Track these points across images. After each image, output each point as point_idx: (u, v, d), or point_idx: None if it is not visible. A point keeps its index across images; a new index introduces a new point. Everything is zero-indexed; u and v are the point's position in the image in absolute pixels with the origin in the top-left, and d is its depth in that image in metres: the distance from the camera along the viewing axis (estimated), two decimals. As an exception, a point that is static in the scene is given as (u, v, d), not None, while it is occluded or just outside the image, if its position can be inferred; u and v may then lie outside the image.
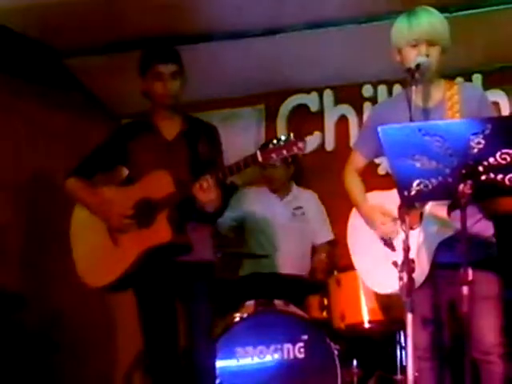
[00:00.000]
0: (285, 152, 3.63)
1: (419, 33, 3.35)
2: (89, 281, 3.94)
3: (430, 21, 3.37)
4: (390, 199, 3.42)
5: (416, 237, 3.36)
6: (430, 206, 3.36)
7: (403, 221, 3.04)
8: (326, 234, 5.33)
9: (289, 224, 5.23)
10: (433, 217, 3.37)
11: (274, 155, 3.63)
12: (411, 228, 3.34)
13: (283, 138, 3.64)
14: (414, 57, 3.33)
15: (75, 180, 4.00)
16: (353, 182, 3.69)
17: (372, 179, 3.82)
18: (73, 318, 5.19)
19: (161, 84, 3.89)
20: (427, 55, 3.33)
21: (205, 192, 3.67)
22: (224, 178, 3.74)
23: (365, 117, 5.38)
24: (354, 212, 3.73)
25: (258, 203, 5.27)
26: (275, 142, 3.64)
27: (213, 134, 4.04)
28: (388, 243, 3.53)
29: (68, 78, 5.46)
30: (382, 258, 3.49)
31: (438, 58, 3.37)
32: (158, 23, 4.91)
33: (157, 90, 3.90)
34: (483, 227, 3.45)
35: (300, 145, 3.62)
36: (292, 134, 3.65)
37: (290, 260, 5.14)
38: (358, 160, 3.71)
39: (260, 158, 3.64)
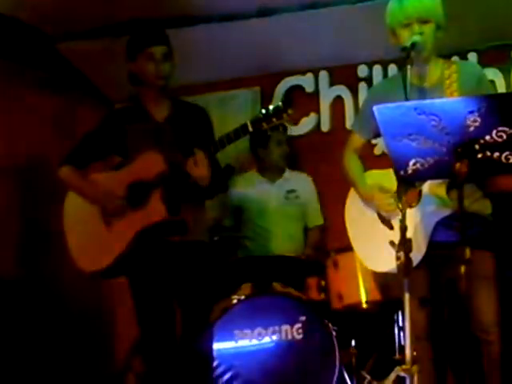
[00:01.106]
0: (275, 120, 3.64)
1: (410, 12, 3.36)
2: (84, 266, 3.94)
3: None
4: (387, 178, 3.41)
5: (414, 215, 3.35)
6: (428, 184, 3.36)
7: (401, 200, 3.04)
8: (317, 218, 5.33)
9: (282, 207, 5.22)
10: (431, 195, 3.37)
11: (264, 124, 3.64)
12: (410, 206, 3.34)
13: (272, 106, 3.65)
14: (408, 36, 3.33)
15: (68, 168, 4.01)
16: (351, 163, 3.70)
17: (368, 159, 3.82)
18: (70, 304, 5.19)
19: (153, 65, 3.87)
20: (421, 33, 3.32)
21: (197, 167, 3.67)
22: (215, 151, 3.74)
23: (360, 97, 5.40)
24: (351, 191, 3.73)
25: (249, 188, 5.26)
26: (264, 111, 3.65)
27: (202, 116, 4.04)
28: (386, 221, 3.53)
29: (62, 63, 5.44)
30: (380, 236, 3.49)
31: (433, 35, 3.37)
32: (152, 6, 4.88)
33: (149, 71, 3.89)
34: (481, 206, 3.45)
35: (289, 112, 3.62)
36: (281, 103, 3.65)
37: (284, 243, 5.14)
38: (356, 141, 3.72)
39: (250, 128, 3.65)
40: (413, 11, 3.35)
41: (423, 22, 3.35)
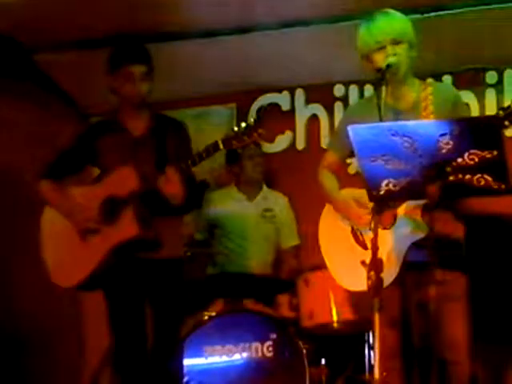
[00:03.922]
0: (246, 138, 3.66)
1: (381, 36, 3.37)
2: (59, 280, 3.94)
3: (388, 21, 3.40)
4: (362, 196, 3.42)
5: (388, 237, 3.37)
6: (404, 208, 3.38)
7: (373, 220, 3.05)
8: (293, 239, 5.34)
9: (257, 226, 5.22)
10: (406, 218, 3.38)
11: (235, 142, 3.65)
12: (385, 228, 3.36)
13: (243, 125, 3.67)
14: (382, 59, 3.35)
15: (46, 183, 4.00)
16: (326, 178, 3.70)
17: (342, 178, 3.83)
18: (40, 316, 5.15)
19: (131, 85, 3.87)
20: (395, 54, 3.35)
21: (169, 184, 3.67)
22: (188, 169, 3.73)
23: (336, 116, 5.43)
24: (326, 210, 3.73)
25: (228, 203, 5.26)
26: (236, 129, 3.67)
27: (180, 130, 4.04)
28: (360, 242, 3.54)
29: (37, 74, 5.41)
30: (354, 255, 3.50)
31: (407, 54, 3.40)
32: (130, 21, 4.88)
33: (127, 90, 3.88)
34: (454, 228, 3.47)
35: (260, 131, 3.65)
36: (252, 120, 3.67)
37: (258, 261, 5.14)
38: (331, 159, 3.73)
39: (221, 146, 3.66)
40: (383, 34, 3.37)
41: (396, 43, 3.37)
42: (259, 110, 5.46)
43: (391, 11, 3.47)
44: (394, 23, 3.40)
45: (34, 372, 5.04)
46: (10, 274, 5.03)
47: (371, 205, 3.36)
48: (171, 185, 3.67)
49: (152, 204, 3.79)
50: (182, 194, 3.74)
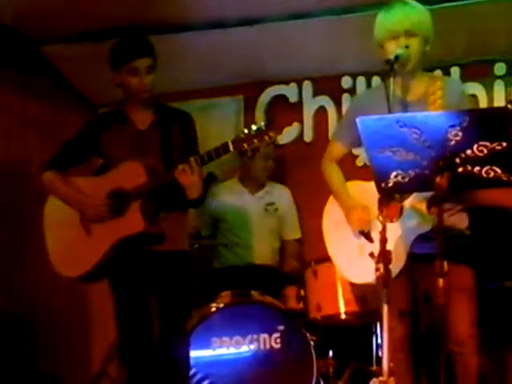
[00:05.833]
0: (256, 141, 3.65)
1: (395, 25, 3.37)
2: (62, 271, 3.95)
3: (406, 12, 3.39)
4: (370, 189, 3.41)
5: (394, 229, 3.36)
6: (410, 200, 3.37)
7: (381, 212, 3.05)
8: (295, 232, 5.34)
9: (260, 219, 5.22)
10: (413, 211, 3.38)
11: (245, 145, 3.65)
12: (391, 221, 3.35)
13: (254, 127, 3.66)
14: (394, 49, 3.34)
15: (51, 173, 4.00)
16: (333, 173, 3.70)
17: (350, 170, 3.82)
18: (47, 307, 5.16)
19: (137, 79, 3.85)
20: (406, 46, 3.33)
21: (187, 175, 3.66)
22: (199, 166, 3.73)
23: (343, 108, 5.42)
24: (330, 202, 3.73)
25: (230, 197, 5.26)
26: (246, 131, 3.67)
27: (186, 121, 4.02)
28: (366, 234, 3.54)
29: (45, 66, 5.41)
30: (359, 248, 3.50)
31: (419, 48, 3.38)
32: (136, 12, 4.87)
33: (133, 85, 3.86)
34: (458, 219, 3.47)
35: (271, 134, 3.64)
36: (263, 124, 3.67)
37: (262, 253, 5.15)
38: (337, 150, 3.72)
39: (231, 148, 3.66)
40: (399, 25, 3.36)
41: (410, 35, 3.37)
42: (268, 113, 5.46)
43: (412, 2, 3.45)
44: (411, 14, 3.38)
45: (44, 360, 5.06)
46: (23, 262, 5.04)
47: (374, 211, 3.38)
48: (190, 176, 3.67)
49: (159, 199, 3.79)
50: (200, 186, 3.75)
